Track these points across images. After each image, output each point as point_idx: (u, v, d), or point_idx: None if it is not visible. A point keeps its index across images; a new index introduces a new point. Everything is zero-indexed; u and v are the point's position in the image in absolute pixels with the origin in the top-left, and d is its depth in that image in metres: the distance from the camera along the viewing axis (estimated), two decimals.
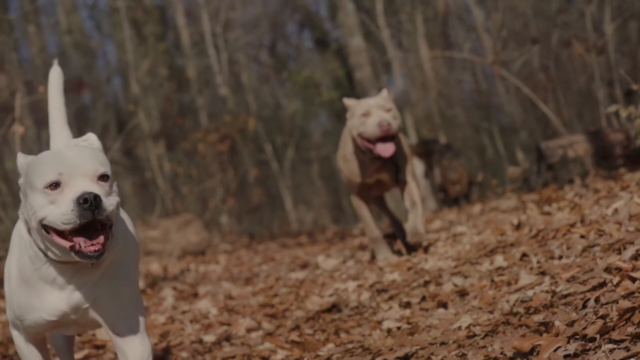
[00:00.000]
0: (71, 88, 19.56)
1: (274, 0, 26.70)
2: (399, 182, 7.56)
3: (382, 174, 7.54)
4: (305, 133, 24.48)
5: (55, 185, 3.52)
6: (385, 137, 7.17)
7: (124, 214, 4.08)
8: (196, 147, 19.70)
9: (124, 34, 21.27)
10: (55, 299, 3.73)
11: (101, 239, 3.52)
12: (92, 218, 3.47)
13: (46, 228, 3.56)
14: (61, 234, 3.52)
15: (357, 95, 22.42)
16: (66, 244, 3.53)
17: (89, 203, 3.45)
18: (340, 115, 24.39)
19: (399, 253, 7.81)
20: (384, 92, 7.40)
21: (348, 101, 7.48)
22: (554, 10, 18.41)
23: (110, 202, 3.54)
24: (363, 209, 7.80)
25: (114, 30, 22.24)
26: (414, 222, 7.41)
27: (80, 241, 3.51)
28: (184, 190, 19.45)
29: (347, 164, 7.64)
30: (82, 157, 3.60)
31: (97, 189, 3.53)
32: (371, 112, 7.22)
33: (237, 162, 20.64)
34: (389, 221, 8.52)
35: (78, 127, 18.99)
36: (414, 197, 7.53)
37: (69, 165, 3.56)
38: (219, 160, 19.72)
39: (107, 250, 3.59)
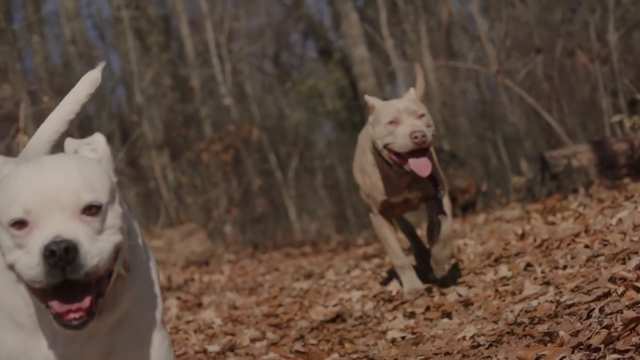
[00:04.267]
0: None
1: (278, 10, 26.75)
2: (438, 198, 6.23)
3: (413, 192, 6.23)
4: (309, 143, 24.48)
5: (21, 223, 2.61)
6: (419, 150, 5.86)
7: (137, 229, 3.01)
8: (200, 156, 19.71)
9: (128, 44, 21.30)
10: (58, 352, 2.81)
11: (85, 302, 2.59)
12: (62, 279, 2.54)
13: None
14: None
15: (361, 106, 22.46)
16: (41, 304, 2.64)
17: (56, 258, 2.52)
18: (344, 125, 24.40)
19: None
20: (412, 92, 6.21)
21: (371, 100, 6.18)
22: (557, 20, 18.42)
23: (98, 249, 2.59)
24: (386, 231, 6.42)
25: (117, 40, 22.27)
26: (442, 254, 6.24)
27: (55, 305, 2.59)
28: (187, 200, 19.46)
29: (367, 178, 6.33)
30: (61, 180, 2.63)
31: (78, 229, 2.58)
32: (401, 120, 5.89)
33: (240, 172, 20.65)
34: (409, 242, 7.11)
35: (82, 136, 19.00)
36: (446, 218, 6.27)
37: (41, 194, 2.60)
38: (223, 170, 19.74)
39: (100, 313, 2.69)
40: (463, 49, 22.11)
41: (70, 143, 2.87)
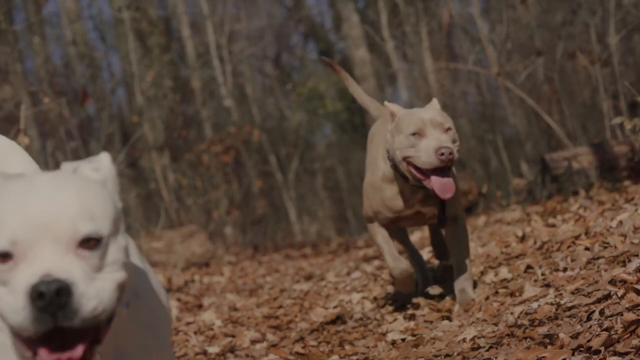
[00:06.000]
0: (75, 99, 19.58)
1: (279, 11, 26.76)
2: (444, 221, 5.67)
3: (426, 207, 5.68)
4: (309, 144, 24.47)
5: (5, 256, 2.17)
6: (442, 168, 5.29)
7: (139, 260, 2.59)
8: (200, 158, 19.71)
9: (129, 46, 21.30)
10: None
11: (77, 351, 2.16)
12: (52, 326, 2.12)
13: None
14: None
15: (362, 108, 22.45)
16: (27, 351, 2.20)
17: (45, 301, 2.10)
18: (344, 127, 24.41)
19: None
20: (435, 102, 5.64)
21: (392, 107, 5.56)
22: (558, 22, 18.42)
23: (96, 291, 2.17)
24: (384, 236, 5.86)
25: (118, 42, 22.28)
26: (464, 284, 5.68)
27: (43, 354, 2.16)
28: (188, 201, 19.45)
29: (378, 194, 5.73)
30: (55, 206, 2.19)
31: (73, 266, 2.16)
32: (426, 132, 5.31)
33: (241, 174, 20.64)
34: (408, 257, 6.46)
35: (82, 138, 19.01)
36: (463, 244, 5.73)
37: (31, 221, 2.16)
38: (223, 171, 19.73)
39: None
40: (464, 51, 22.11)
41: (68, 165, 2.41)
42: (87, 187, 2.28)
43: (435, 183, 5.28)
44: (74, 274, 2.15)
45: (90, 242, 2.19)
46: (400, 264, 5.84)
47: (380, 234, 5.86)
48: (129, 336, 2.40)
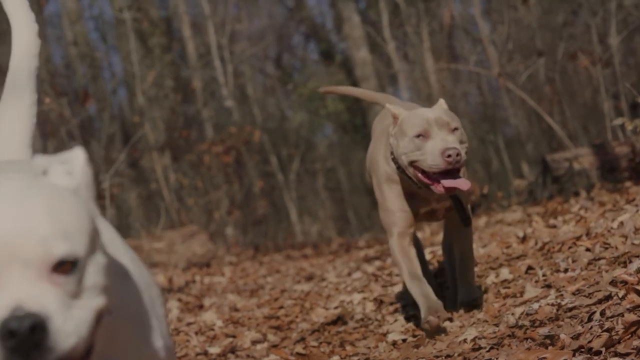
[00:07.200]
0: (76, 99, 19.58)
1: (280, 12, 26.76)
2: (467, 220, 5.37)
3: (441, 202, 5.36)
4: (310, 145, 24.47)
5: None
6: (451, 170, 4.94)
7: (128, 254, 2.26)
8: (201, 158, 19.71)
9: (130, 46, 21.30)
10: None
11: None
12: None
13: None
14: None
15: (363, 108, 22.48)
16: None
17: (17, 340, 1.79)
18: (345, 127, 24.41)
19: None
20: (442, 103, 5.21)
21: (394, 109, 5.14)
22: (559, 23, 18.42)
23: (75, 324, 1.85)
24: (405, 253, 5.31)
25: (119, 42, 22.29)
26: (468, 283, 5.48)
27: None
28: (189, 201, 19.46)
29: (384, 195, 5.35)
30: (23, 224, 1.86)
31: (47, 295, 1.84)
32: (431, 134, 4.95)
33: (242, 174, 20.64)
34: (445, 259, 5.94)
35: (83, 138, 19.01)
36: (468, 244, 5.52)
37: None
38: (224, 171, 19.73)
39: None
40: (465, 52, 22.11)
41: (40, 162, 2.04)
42: (59, 199, 1.94)
43: (449, 183, 4.92)
44: (49, 305, 1.84)
45: (65, 266, 1.87)
46: (420, 283, 5.23)
47: (400, 250, 5.30)
48: (117, 339, 2.10)
